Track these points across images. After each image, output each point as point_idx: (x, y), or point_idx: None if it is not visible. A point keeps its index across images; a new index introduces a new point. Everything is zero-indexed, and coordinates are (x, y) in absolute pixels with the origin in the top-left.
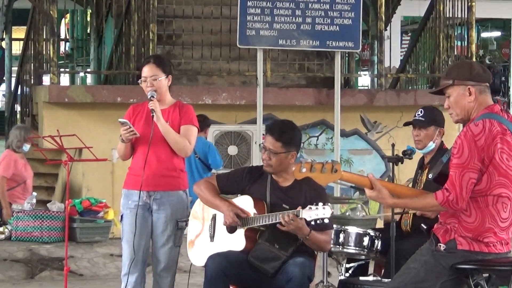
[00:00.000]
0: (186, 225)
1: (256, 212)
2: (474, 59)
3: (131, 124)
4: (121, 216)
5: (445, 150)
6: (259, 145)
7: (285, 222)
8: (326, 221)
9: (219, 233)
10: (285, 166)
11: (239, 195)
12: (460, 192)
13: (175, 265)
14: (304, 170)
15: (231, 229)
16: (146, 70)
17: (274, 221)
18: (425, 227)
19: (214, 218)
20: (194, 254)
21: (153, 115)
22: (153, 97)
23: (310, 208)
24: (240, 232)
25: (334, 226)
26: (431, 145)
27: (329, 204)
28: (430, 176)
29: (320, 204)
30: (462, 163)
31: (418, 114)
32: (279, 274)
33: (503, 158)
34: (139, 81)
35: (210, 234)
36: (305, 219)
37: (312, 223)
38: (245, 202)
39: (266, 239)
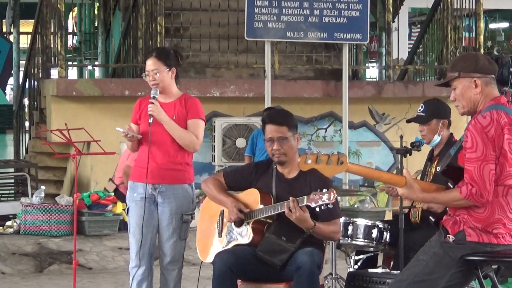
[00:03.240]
0: (192, 218)
1: (263, 205)
2: (482, 51)
3: (127, 131)
4: (127, 209)
5: (454, 142)
6: (263, 140)
7: (287, 210)
8: (330, 206)
9: (227, 228)
10: (295, 151)
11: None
12: (483, 185)
13: (182, 258)
14: (309, 161)
15: (238, 223)
16: (149, 64)
17: (277, 211)
18: (433, 219)
19: (222, 214)
20: (204, 251)
21: (150, 122)
22: (154, 97)
23: (314, 194)
24: (247, 225)
25: (343, 218)
26: (437, 139)
27: (333, 190)
28: (438, 169)
29: (324, 190)
30: (479, 157)
31: (419, 110)
32: (288, 265)
33: (511, 149)
34: (143, 75)
35: (218, 230)
36: (309, 205)
37: (317, 209)
38: (251, 196)
39: (273, 232)
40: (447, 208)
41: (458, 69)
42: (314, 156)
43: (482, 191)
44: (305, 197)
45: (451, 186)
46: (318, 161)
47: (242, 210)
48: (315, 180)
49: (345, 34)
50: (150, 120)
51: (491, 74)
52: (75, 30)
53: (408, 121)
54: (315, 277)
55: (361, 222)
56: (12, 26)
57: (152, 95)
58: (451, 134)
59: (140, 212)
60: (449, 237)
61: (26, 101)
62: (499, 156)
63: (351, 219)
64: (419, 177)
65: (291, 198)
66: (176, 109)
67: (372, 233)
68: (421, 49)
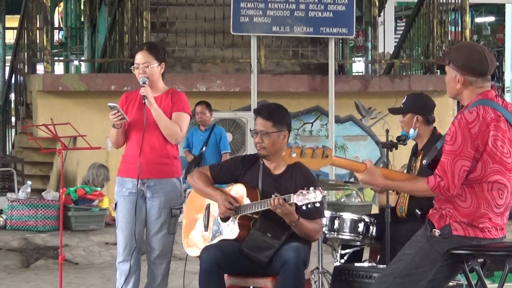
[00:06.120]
0: (181, 212)
1: (249, 201)
2: None
3: (120, 108)
4: (115, 204)
5: (439, 136)
6: (250, 130)
7: (273, 205)
8: (317, 205)
9: (213, 222)
10: (278, 147)
11: (232, 183)
12: (452, 179)
13: (170, 252)
14: (294, 155)
15: (225, 217)
16: (139, 57)
17: (265, 208)
18: (419, 212)
19: (208, 207)
20: (189, 244)
21: (144, 102)
22: (145, 83)
23: (301, 192)
24: (234, 220)
25: (329, 212)
26: (411, 132)
27: (320, 188)
28: (424, 162)
29: (311, 188)
30: (454, 150)
31: (403, 101)
32: (274, 259)
33: (497, 145)
34: (132, 68)
35: (204, 223)
36: (296, 204)
37: (304, 207)
38: (238, 191)
39: (258, 228)
40: (434, 202)
41: (449, 58)
42: (299, 149)
43: (450, 185)
44: (292, 195)
45: None
46: (303, 154)
47: (232, 204)
48: (301, 176)
49: (331, 29)
50: (145, 101)
51: (478, 76)
52: (61, 25)
53: (389, 110)
54: (300, 273)
55: (347, 216)
56: None
57: (142, 82)
58: (435, 128)
59: (128, 207)
60: (435, 231)
61: (12, 97)
62: (483, 152)
63: (337, 213)
64: (405, 172)
65: (273, 195)
66: (162, 103)
67: (358, 227)
68: (407, 43)
